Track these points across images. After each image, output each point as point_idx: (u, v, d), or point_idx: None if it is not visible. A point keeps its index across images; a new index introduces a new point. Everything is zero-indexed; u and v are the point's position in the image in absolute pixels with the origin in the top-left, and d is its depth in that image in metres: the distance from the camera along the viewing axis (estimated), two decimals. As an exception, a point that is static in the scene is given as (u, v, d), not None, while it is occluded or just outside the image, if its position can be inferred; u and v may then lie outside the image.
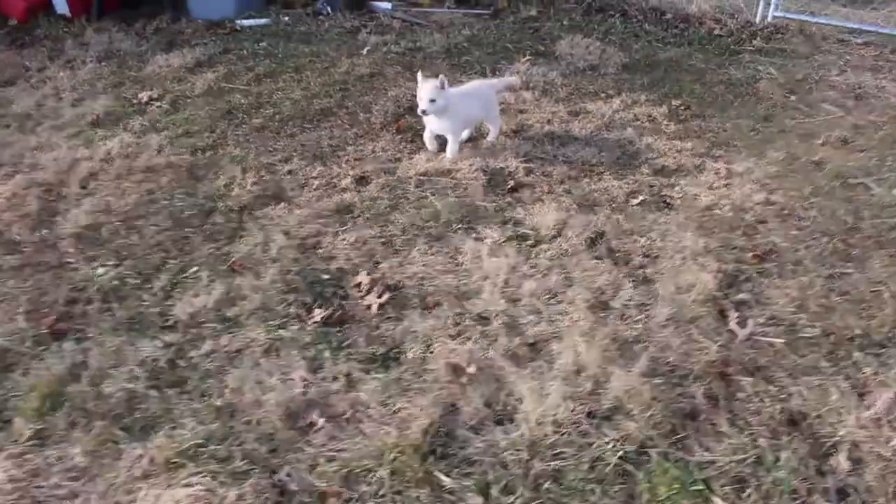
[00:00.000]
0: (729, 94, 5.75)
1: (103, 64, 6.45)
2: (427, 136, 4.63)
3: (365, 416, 2.76)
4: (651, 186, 4.28)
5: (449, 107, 4.31)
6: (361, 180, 4.38)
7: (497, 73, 6.14)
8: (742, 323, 3.17)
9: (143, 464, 2.62)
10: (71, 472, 2.63)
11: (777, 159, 4.62)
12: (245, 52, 6.71)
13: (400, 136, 4.95)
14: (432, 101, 4.22)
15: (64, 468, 2.64)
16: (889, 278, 3.45)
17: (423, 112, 4.28)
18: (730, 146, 4.83)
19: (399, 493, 2.47)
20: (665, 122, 5.19)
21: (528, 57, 6.44)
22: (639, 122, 5.20)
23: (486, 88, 4.80)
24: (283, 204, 4.15)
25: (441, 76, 4.24)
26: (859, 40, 6.81)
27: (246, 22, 7.57)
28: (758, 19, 7.36)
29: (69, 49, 6.81)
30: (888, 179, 4.33)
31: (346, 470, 2.55)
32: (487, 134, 4.86)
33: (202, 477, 2.54)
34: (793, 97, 5.66)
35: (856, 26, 7.00)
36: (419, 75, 4.32)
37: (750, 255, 3.63)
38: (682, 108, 5.44)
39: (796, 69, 6.21)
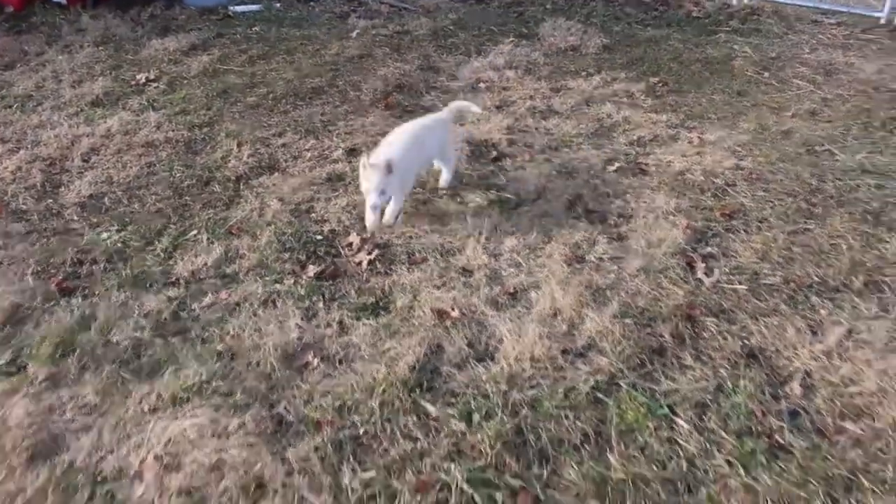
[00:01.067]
0: (705, 71, 5.97)
1: (100, 48, 6.63)
2: (368, 210, 3.74)
3: (356, 357, 2.98)
4: (627, 155, 4.50)
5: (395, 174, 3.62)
6: (352, 152, 4.58)
7: (482, 54, 6.33)
8: (708, 272, 3.40)
9: (151, 400, 2.84)
10: (84, 409, 2.85)
11: (748, 129, 4.85)
12: (238, 36, 6.91)
13: (389, 112, 5.16)
14: (382, 192, 3.60)
15: (77, 405, 2.86)
16: (847, 233, 3.67)
17: (374, 207, 3.66)
18: (704, 118, 5.05)
19: (388, 421, 2.69)
20: (642, 98, 5.42)
21: (511, 39, 6.64)
22: (617, 98, 5.42)
23: (436, 124, 4.12)
24: (277, 174, 4.36)
25: (385, 159, 3.56)
26: (832, 20, 7.04)
27: (238, 8, 7.76)
28: (735, 1, 7.58)
29: (66, 35, 6.98)
30: (852, 146, 4.56)
31: (340, 403, 2.77)
32: (440, 176, 4.20)
33: (206, 409, 2.76)
34: (766, 73, 5.88)
35: (828, 7, 7.22)
36: (362, 160, 3.62)
37: (718, 213, 3.86)
38: (660, 84, 5.65)
39: (770, 48, 6.43)
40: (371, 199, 3.61)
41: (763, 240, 3.64)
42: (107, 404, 2.85)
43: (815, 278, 3.38)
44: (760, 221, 3.80)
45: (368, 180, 3.58)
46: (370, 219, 3.76)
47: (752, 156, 4.48)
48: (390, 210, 3.79)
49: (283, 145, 4.70)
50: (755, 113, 5.15)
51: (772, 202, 3.98)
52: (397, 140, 3.85)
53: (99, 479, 2.57)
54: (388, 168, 3.53)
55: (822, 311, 3.16)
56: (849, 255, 3.50)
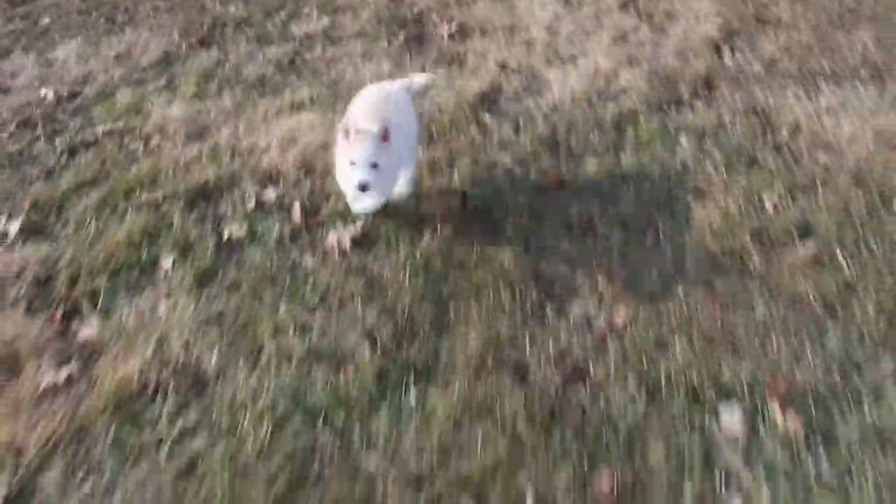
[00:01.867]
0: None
1: None
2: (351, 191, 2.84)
3: (434, 87, 3.75)
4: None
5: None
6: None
7: None
8: (732, 55, 4.01)
9: (274, 107, 3.72)
10: (223, 112, 3.74)
11: (805, -36, 5.28)
12: None
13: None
14: (374, 165, 2.64)
15: (218, 110, 3.75)
16: (869, 41, 4.18)
17: (364, 187, 2.65)
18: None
19: (455, 127, 3.48)
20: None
21: None
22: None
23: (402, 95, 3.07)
24: (378, -29, 5.08)
25: (382, 120, 2.66)
26: None
27: None
28: None
29: None
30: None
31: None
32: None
33: (315, 113, 3.62)
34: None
35: None
36: (341, 126, 2.70)
37: (754, 19, 4.40)
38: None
39: None
40: (358, 175, 2.63)
41: (787, 40, 4.19)
42: (241, 111, 3.74)
43: (827, 70, 3.95)
44: (791, 28, 4.34)
45: (353, 150, 2.63)
46: (356, 200, 2.89)
47: (801, -18, 4.94)
48: (406, 177, 3.01)
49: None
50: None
51: (807, 16, 4.48)
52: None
53: (237, 151, 3.47)
54: (385, 133, 2.64)
55: (825, 89, 3.76)
56: (861, 54, 4.04)
